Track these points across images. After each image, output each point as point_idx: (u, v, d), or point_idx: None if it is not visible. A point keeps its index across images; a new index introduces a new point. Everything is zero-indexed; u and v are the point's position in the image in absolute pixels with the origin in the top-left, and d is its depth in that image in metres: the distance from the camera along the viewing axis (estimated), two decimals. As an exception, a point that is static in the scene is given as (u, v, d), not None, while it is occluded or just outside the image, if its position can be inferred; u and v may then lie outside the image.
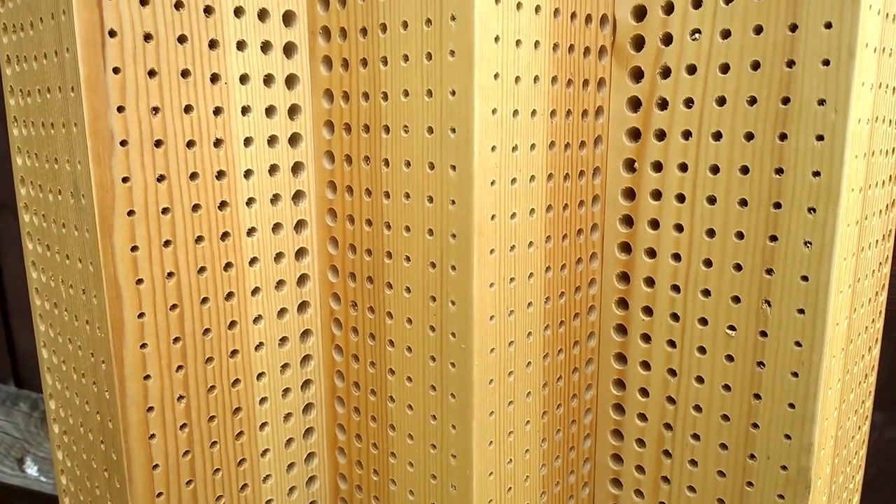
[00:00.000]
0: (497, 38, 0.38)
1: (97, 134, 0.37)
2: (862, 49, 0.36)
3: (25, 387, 0.83)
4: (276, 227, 0.45)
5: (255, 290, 0.45)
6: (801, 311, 0.40)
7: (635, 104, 0.45)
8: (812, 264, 0.39)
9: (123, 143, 0.38)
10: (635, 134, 0.45)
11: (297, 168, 0.46)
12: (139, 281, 0.39)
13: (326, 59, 0.44)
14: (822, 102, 0.37)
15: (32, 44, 0.40)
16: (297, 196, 0.46)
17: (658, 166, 0.45)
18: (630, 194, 0.46)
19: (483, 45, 0.37)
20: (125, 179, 0.38)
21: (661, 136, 0.44)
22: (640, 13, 0.44)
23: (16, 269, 0.82)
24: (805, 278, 0.39)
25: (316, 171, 0.46)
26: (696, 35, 0.41)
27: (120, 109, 0.37)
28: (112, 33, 0.36)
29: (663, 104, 0.44)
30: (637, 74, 0.45)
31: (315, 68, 0.45)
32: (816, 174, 0.38)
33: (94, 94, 0.36)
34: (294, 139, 0.45)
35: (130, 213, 0.38)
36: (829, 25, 0.37)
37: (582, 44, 0.43)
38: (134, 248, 0.39)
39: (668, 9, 0.42)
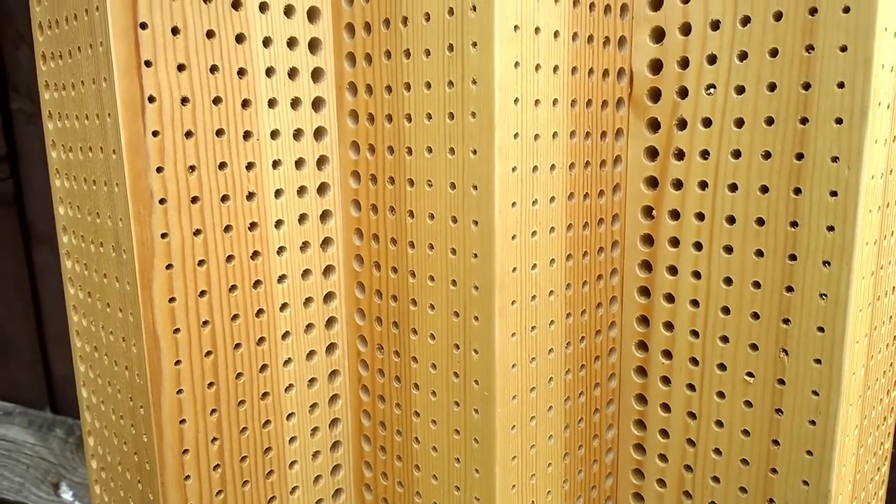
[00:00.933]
0: (517, 100, 0.39)
1: (138, 194, 0.39)
2: (874, 108, 0.37)
3: (62, 413, 0.86)
4: (306, 273, 0.47)
5: (286, 335, 0.47)
6: (818, 361, 0.40)
7: (653, 153, 0.46)
8: (828, 316, 0.40)
9: (162, 201, 0.40)
10: (653, 182, 0.47)
11: (325, 216, 0.47)
12: (176, 330, 0.41)
13: (353, 112, 0.46)
14: (835, 159, 0.38)
15: (74, 104, 0.43)
16: (326, 242, 0.48)
17: (675, 214, 0.46)
18: (648, 240, 0.47)
19: (503, 106, 0.39)
20: (164, 235, 0.40)
21: (678, 185, 0.45)
22: (656, 67, 0.45)
23: (53, 298, 0.85)
24: (821, 329, 0.40)
25: (343, 219, 0.48)
26: (711, 90, 0.43)
27: (159, 170, 0.39)
28: (151, 99, 0.38)
29: (680, 154, 0.45)
30: (654, 125, 0.46)
31: (342, 122, 0.46)
32: (830, 228, 0.39)
33: (135, 156, 0.38)
34: (322, 189, 0.47)
35: (168, 266, 0.40)
36: (841, 85, 0.38)
37: (599, 97, 0.45)
38: (172, 300, 0.41)
39: (684, 64, 0.44)
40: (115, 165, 0.39)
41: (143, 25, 0.38)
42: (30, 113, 0.79)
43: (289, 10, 0.43)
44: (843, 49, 0.37)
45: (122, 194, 0.39)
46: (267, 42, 0.43)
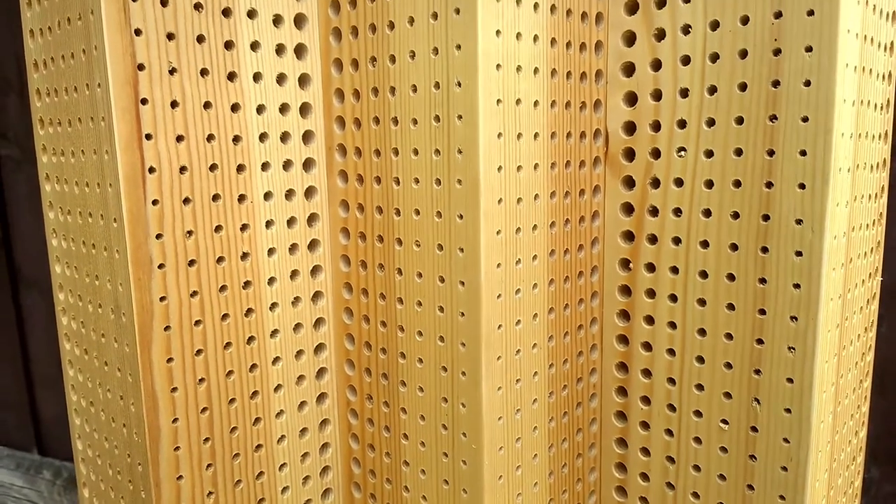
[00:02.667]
0: (500, 168, 0.41)
1: (138, 260, 0.40)
2: (835, 173, 0.40)
3: (49, 455, 0.86)
4: (297, 327, 0.49)
5: (278, 387, 0.48)
6: (788, 411, 0.43)
7: (629, 209, 0.49)
8: (796, 367, 0.42)
9: (161, 266, 0.41)
10: (629, 236, 0.49)
11: (315, 271, 0.49)
12: (174, 389, 0.43)
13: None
14: (799, 222, 0.41)
15: (74, 170, 0.44)
16: (317, 296, 0.49)
17: (651, 267, 0.48)
18: (626, 291, 0.50)
19: (487, 174, 0.41)
20: (162, 298, 0.41)
21: (653, 240, 0.48)
22: (630, 128, 0.47)
23: (40, 341, 0.86)
24: (790, 380, 0.42)
25: (332, 273, 0.50)
26: (682, 152, 0.45)
27: (158, 237, 0.41)
28: (151, 170, 0.40)
29: (654, 211, 0.47)
30: (629, 183, 0.48)
31: (331, 180, 0.48)
32: (797, 286, 0.41)
33: (136, 225, 0.40)
34: (313, 245, 0.49)
35: (167, 328, 0.42)
36: (803, 153, 0.40)
37: (577, 158, 0.47)
38: (169, 360, 0.42)
39: (656, 127, 0.46)
40: (115, 233, 0.41)
41: (144, 101, 0.39)
42: (18, 159, 0.80)
43: (281, 79, 0.45)
44: (805, 119, 0.40)
45: (122, 261, 0.41)
46: (261, 109, 0.44)
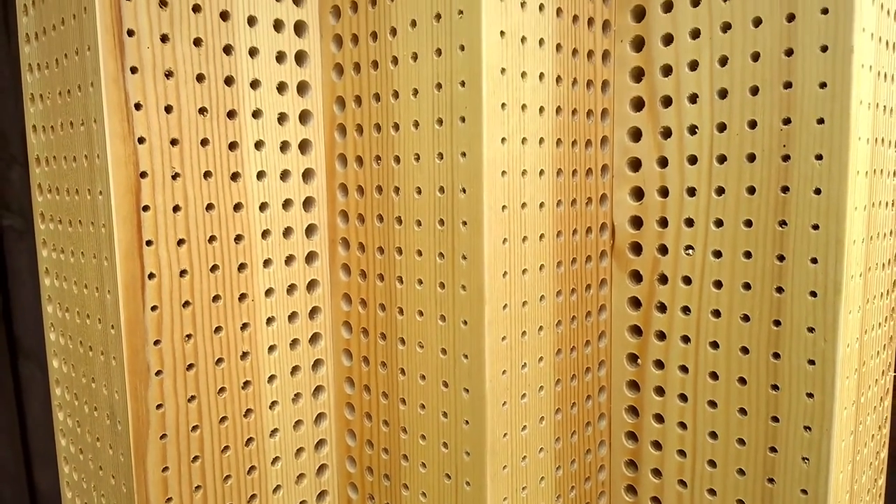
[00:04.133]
0: (505, 274, 0.41)
1: (135, 369, 0.39)
2: (847, 281, 0.39)
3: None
4: (297, 424, 0.47)
5: (277, 488, 0.47)
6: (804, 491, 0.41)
7: (636, 303, 0.48)
8: (810, 480, 0.41)
9: (158, 373, 0.40)
10: (637, 331, 0.48)
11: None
12: (168, 500, 0.41)
13: (345, 266, 0.47)
14: (811, 330, 0.40)
15: (73, 270, 0.44)
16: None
17: (660, 364, 0.47)
18: (634, 386, 0.48)
19: (491, 280, 0.40)
20: (159, 406, 0.40)
21: (661, 336, 0.47)
22: (636, 223, 0.47)
23: (38, 413, 0.84)
24: (804, 491, 0.41)
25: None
26: (690, 251, 0.44)
27: (156, 343, 0.40)
28: (151, 276, 0.40)
29: (662, 307, 0.46)
30: (637, 277, 0.47)
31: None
32: (810, 395, 0.40)
33: (133, 333, 0.39)
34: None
35: (163, 436, 0.41)
36: (814, 261, 0.40)
37: (584, 253, 0.46)
38: (165, 469, 0.41)
39: (663, 223, 0.46)
40: (112, 340, 0.40)
41: (146, 208, 0.39)
42: (21, 230, 0.80)
43: (285, 175, 0.45)
44: (815, 227, 0.39)
45: (118, 368, 0.40)
46: (264, 207, 0.44)
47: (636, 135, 0.46)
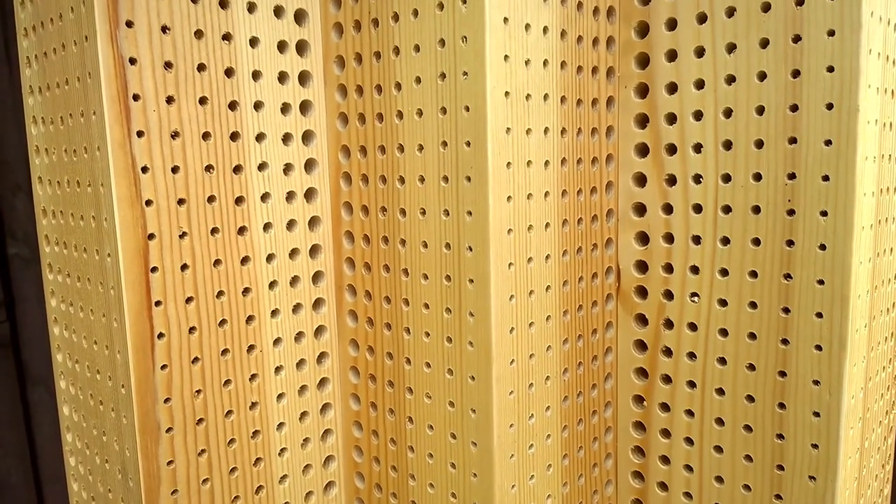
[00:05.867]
0: (512, 330, 0.41)
1: (146, 428, 0.40)
2: (852, 335, 0.39)
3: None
4: (306, 468, 0.48)
5: (287, 531, 0.47)
6: (809, 571, 0.42)
7: (642, 346, 0.48)
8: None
9: (169, 430, 0.41)
10: (643, 373, 0.48)
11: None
12: (181, 553, 0.42)
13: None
14: (816, 382, 0.40)
15: (83, 326, 0.44)
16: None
17: (666, 407, 0.47)
18: (640, 426, 0.49)
19: (499, 335, 0.40)
20: (170, 462, 0.41)
21: (667, 380, 0.47)
22: (642, 267, 0.47)
23: (47, 438, 0.85)
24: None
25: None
26: (695, 298, 0.45)
27: (167, 401, 0.40)
28: (160, 336, 0.40)
29: (668, 352, 0.47)
30: (642, 320, 0.48)
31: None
32: (815, 446, 0.41)
33: (144, 393, 0.39)
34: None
35: (174, 492, 0.41)
36: (819, 315, 0.40)
37: (590, 299, 0.47)
38: (177, 523, 0.42)
39: (668, 269, 0.46)
40: (123, 399, 0.40)
41: (154, 269, 0.39)
42: (27, 258, 0.80)
43: (291, 225, 0.45)
44: (820, 282, 0.39)
45: (129, 427, 0.40)
46: (270, 258, 0.44)
47: (641, 180, 0.46)
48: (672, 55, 0.44)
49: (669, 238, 0.45)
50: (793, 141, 0.39)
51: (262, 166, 0.43)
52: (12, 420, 0.82)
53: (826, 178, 0.38)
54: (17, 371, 0.82)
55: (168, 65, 0.39)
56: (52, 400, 0.82)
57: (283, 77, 0.44)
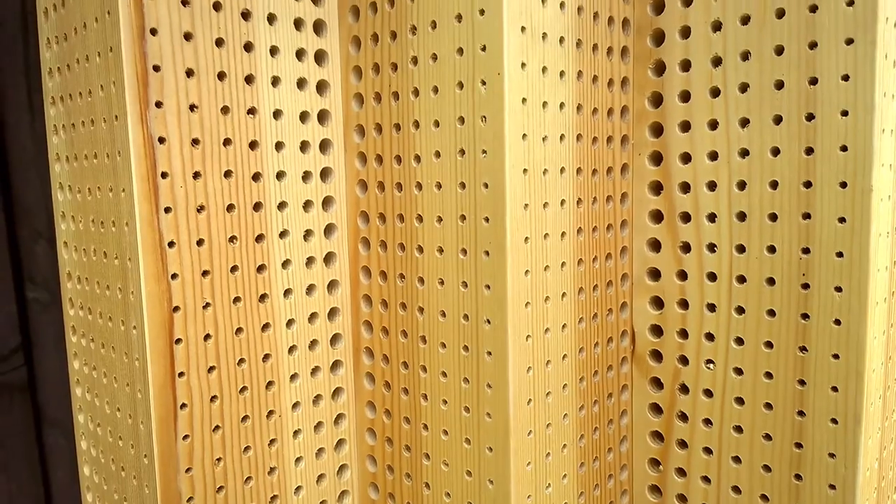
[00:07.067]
0: (529, 401, 0.41)
1: (167, 497, 0.40)
2: (867, 409, 0.40)
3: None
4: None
5: None
6: None
7: (657, 409, 0.48)
8: None
9: (190, 499, 0.41)
10: (658, 436, 0.48)
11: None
12: None
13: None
14: (832, 455, 0.40)
15: (105, 390, 0.45)
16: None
17: (682, 472, 0.47)
18: (656, 490, 0.49)
19: (516, 409, 0.41)
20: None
21: (682, 444, 0.47)
22: (657, 331, 0.48)
23: (62, 480, 0.86)
24: None
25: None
26: (711, 365, 0.45)
27: (188, 471, 0.41)
28: (183, 406, 0.40)
29: (683, 417, 0.47)
30: (657, 384, 0.48)
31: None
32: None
33: (166, 463, 0.40)
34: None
35: (195, 559, 0.42)
36: (835, 388, 0.40)
37: (605, 364, 0.47)
38: (197, 591, 0.42)
39: (683, 334, 0.46)
40: (146, 469, 0.41)
41: (178, 341, 0.40)
42: (45, 303, 0.81)
43: (310, 290, 0.46)
44: (836, 357, 0.40)
45: (151, 496, 0.41)
46: (290, 324, 0.45)
47: (656, 246, 0.47)
48: (686, 126, 0.44)
49: (684, 304, 0.46)
50: (807, 216, 0.40)
51: (283, 234, 0.44)
52: (28, 463, 0.83)
53: (840, 255, 0.39)
54: (33, 415, 0.84)
55: (195, 141, 0.40)
56: (67, 443, 0.83)
57: (304, 146, 0.45)
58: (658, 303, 0.47)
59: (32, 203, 0.79)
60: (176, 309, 0.40)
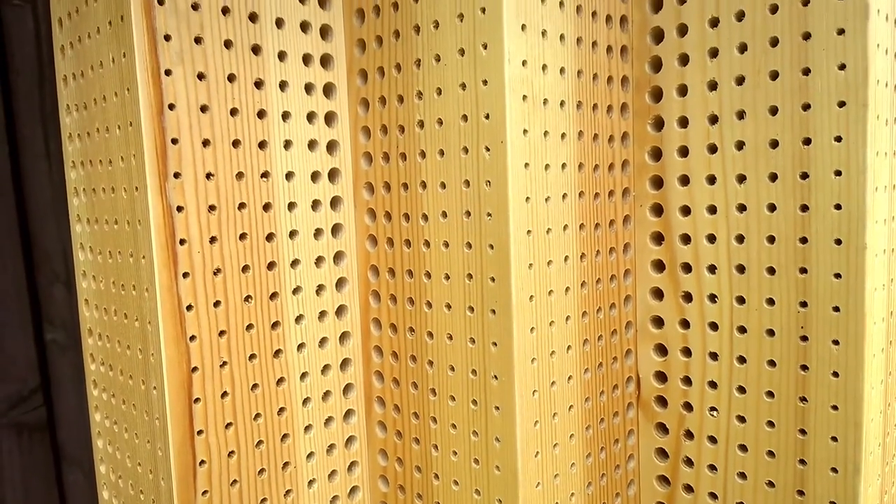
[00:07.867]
0: (537, 454, 0.43)
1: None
2: (867, 457, 0.41)
3: None
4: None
5: None
6: None
7: (663, 454, 0.49)
8: None
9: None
10: (665, 480, 0.49)
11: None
12: None
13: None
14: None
15: (127, 445, 0.46)
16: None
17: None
18: (664, 533, 0.50)
19: (525, 461, 0.42)
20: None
21: (688, 489, 0.48)
22: (661, 378, 0.49)
23: (79, 515, 0.87)
24: None
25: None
26: (714, 413, 0.46)
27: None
28: (202, 463, 0.42)
29: (689, 462, 0.48)
30: (663, 429, 0.49)
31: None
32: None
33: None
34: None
35: None
36: (834, 439, 0.41)
37: (611, 410, 0.48)
38: None
39: (687, 381, 0.47)
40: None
41: (197, 400, 0.41)
42: (63, 344, 0.83)
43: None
44: (835, 408, 0.41)
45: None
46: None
47: (658, 294, 0.48)
48: (685, 180, 0.46)
49: (687, 352, 0.47)
50: (803, 271, 0.41)
51: (296, 290, 0.46)
52: (49, 502, 0.85)
53: (837, 309, 0.40)
54: (52, 454, 0.85)
55: (212, 208, 0.41)
56: (87, 481, 0.85)
57: (315, 205, 0.46)
58: (662, 350, 0.49)
59: (50, 246, 0.81)
60: (195, 369, 0.41)
